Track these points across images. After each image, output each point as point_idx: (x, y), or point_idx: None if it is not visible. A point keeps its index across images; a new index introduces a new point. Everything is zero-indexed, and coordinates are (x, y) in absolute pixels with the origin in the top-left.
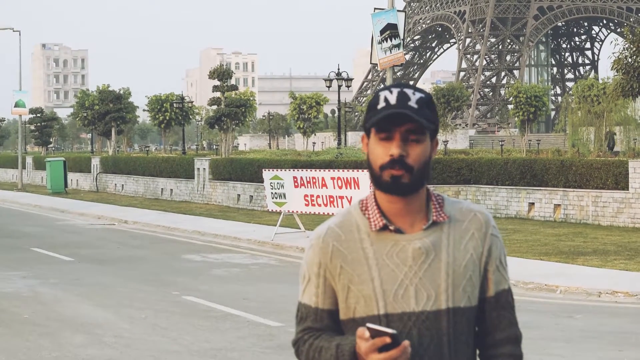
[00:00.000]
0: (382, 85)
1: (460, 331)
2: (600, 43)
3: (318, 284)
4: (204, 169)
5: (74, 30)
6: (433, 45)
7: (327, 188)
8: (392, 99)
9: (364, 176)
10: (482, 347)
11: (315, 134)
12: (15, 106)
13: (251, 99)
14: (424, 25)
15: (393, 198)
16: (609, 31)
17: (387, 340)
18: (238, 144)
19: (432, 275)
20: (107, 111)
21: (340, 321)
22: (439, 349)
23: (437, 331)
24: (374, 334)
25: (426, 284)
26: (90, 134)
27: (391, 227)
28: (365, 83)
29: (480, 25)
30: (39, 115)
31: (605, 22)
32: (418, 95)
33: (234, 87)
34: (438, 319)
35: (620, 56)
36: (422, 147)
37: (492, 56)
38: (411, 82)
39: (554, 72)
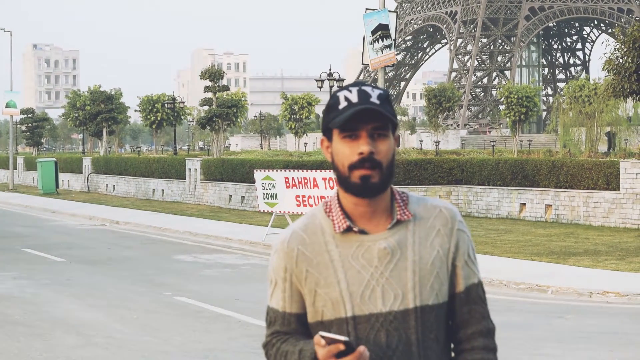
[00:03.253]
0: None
1: (430, 328)
2: (592, 44)
3: (284, 289)
4: (196, 169)
5: (65, 30)
6: (424, 45)
7: (318, 188)
8: (354, 98)
9: None
10: (456, 342)
11: (306, 135)
12: (6, 106)
13: (242, 99)
14: (415, 26)
15: (359, 200)
16: (600, 32)
17: (341, 347)
18: (230, 144)
19: (399, 274)
20: (99, 112)
21: (309, 324)
22: (408, 348)
23: (405, 331)
24: (329, 341)
25: (393, 284)
26: (82, 135)
27: (355, 229)
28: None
29: (472, 26)
30: (30, 115)
31: (596, 22)
32: (377, 91)
33: (226, 88)
34: (406, 318)
35: (611, 57)
36: (388, 143)
37: (484, 57)
38: (402, 83)
39: (545, 73)
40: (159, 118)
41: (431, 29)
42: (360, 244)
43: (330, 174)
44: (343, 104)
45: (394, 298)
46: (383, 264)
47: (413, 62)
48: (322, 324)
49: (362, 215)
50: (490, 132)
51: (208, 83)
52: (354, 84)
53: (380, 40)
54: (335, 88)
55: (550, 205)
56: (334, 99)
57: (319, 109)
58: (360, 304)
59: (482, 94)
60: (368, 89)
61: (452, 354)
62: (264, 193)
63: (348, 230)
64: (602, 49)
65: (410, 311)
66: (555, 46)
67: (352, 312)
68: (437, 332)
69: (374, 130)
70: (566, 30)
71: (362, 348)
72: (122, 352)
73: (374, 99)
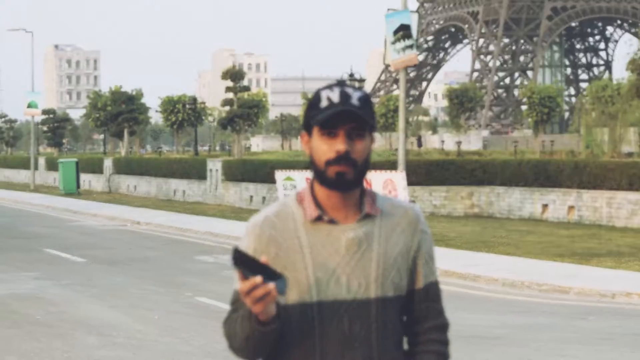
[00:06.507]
0: (394, 86)
1: (388, 319)
2: (615, 43)
3: None
4: (217, 170)
5: (86, 31)
6: (446, 46)
7: None
8: (335, 98)
9: (376, 177)
10: (412, 335)
11: None
12: (27, 107)
13: (263, 100)
14: (437, 26)
15: (332, 192)
16: (623, 31)
17: (258, 280)
18: (250, 145)
19: (364, 265)
20: (120, 112)
21: None
22: (368, 335)
23: (366, 319)
24: (242, 275)
25: (357, 273)
26: (103, 135)
27: (325, 218)
28: (378, 84)
29: (494, 26)
30: (51, 116)
31: (619, 22)
32: (358, 93)
33: (247, 88)
34: (368, 307)
35: (634, 56)
36: (364, 143)
37: (506, 57)
38: (424, 83)
39: (568, 73)
40: (179, 119)
41: (453, 29)
42: (329, 233)
43: None
44: (324, 102)
45: (358, 286)
46: (350, 253)
47: (435, 62)
48: (286, 308)
49: (333, 206)
50: (512, 132)
51: (229, 83)
52: (336, 84)
53: (402, 40)
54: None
55: (573, 206)
56: (316, 97)
57: None
58: (326, 290)
59: (504, 94)
60: (349, 90)
61: (406, 347)
62: (285, 194)
63: (318, 219)
64: (625, 48)
65: (372, 301)
66: (577, 46)
67: (318, 297)
68: (394, 323)
69: (352, 131)
70: (589, 29)
71: (258, 279)
72: (143, 353)
73: (354, 101)
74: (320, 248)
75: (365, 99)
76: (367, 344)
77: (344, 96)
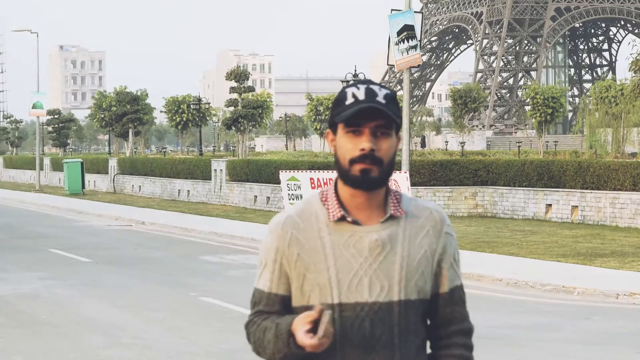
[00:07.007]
0: (398, 87)
1: (411, 322)
2: (618, 44)
3: (273, 270)
4: (221, 170)
5: (91, 32)
6: (450, 46)
7: None
8: (361, 95)
9: None
10: (435, 339)
11: None
12: (33, 107)
13: (268, 100)
14: (441, 27)
15: (356, 192)
16: (626, 32)
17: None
18: (255, 145)
19: (387, 267)
20: (125, 112)
21: (293, 308)
22: (390, 338)
23: (388, 322)
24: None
25: (380, 276)
26: (108, 135)
27: (349, 219)
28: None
29: (498, 27)
30: (56, 116)
31: (622, 23)
32: (384, 91)
33: (251, 89)
34: (390, 310)
35: (638, 57)
36: (390, 141)
37: (509, 57)
38: (428, 84)
39: (572, 74)
40: (184, 119)
41: (457, 30)
42: (352, 234)
43: None
44: (350, 100)
45: (380, 289)
46: (373, 255)
47: (438, 62)
48: (308, 309)
49: (357, 206)
50: (515, 133)
51: (233, 84)
52: (362, 82)
53: (405, 41)
54: None
55: (577, 206)
56: (341, 94)
57: None
58: (347, 292)
59: (508, 94)
60: (375, 87)
61: (429, 351)
62: (289, 194)
63: (342, 219)
64: (628, 49)
65: (394, 303)
66: (581, 47)
67: (339, 299)
68: (416, 326)
69: (377, 129)
70: (592, 30)
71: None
72: (148, 352)
73: (380, 98)
74: (343, 249)
75: (392, 97)
76: (389, 347)
77: (370, 93)
